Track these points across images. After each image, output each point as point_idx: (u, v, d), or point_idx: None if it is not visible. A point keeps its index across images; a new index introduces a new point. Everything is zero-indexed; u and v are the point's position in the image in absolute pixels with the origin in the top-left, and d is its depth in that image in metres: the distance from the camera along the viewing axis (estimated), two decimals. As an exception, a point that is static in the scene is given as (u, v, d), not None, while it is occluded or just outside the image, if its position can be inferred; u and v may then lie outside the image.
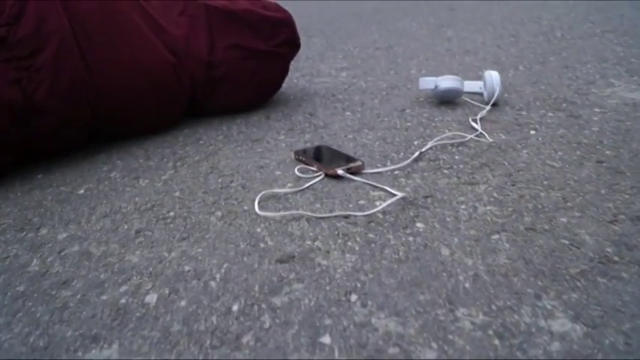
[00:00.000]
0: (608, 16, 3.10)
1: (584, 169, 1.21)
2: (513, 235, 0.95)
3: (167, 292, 0.82)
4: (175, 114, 1.52)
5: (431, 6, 3.88)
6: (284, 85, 1.94)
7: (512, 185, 1.14)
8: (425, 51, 2.45)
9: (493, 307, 0.76)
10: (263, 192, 1.12)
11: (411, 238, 0.94)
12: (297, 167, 1.23)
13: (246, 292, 0.81)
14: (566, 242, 0.93)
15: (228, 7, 1.57)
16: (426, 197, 1.10)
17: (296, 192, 1.13)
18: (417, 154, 1.29)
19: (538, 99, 1.71)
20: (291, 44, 1.66)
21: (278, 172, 1.24)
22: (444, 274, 0.84)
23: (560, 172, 1.19)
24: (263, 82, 1.63)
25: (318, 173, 1.20)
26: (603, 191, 1.11)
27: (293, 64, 2.26)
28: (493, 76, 1.63)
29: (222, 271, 0.87)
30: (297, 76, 2.10)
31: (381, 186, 1.13)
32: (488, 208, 1.05)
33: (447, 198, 1.09)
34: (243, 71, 1.57)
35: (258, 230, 0.99)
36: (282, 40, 1.62)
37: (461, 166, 1.24)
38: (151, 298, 0.81)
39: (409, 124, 1.53)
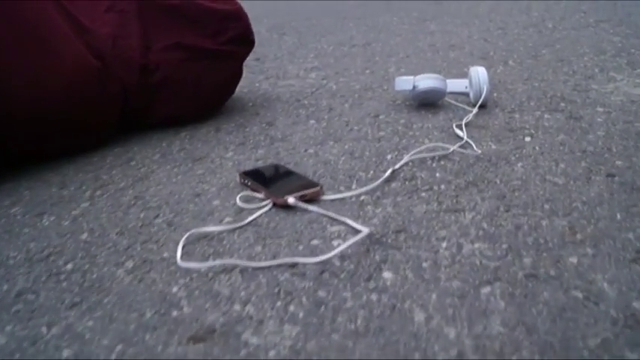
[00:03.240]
0: (601, 5, 2.87)
1: (593, 186, 0.97)
2: (510, 287, 0.70)
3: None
4: (103, 129, 1.27)
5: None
6: (242, 89, 1.69)
7: (507, 211, 0.90)
8: (405, 47, 2.20)
9: None
10: (191, 231, 0.86)
11: (374, 297, 0.69)
12: (241, 194, 0.98)
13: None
14: (580, 295, 0.69)
15: (165, 0, 1.31)
16: (398, 232, 0.85)
17: (234, 229, 0.88)
18: (389, 172, 1.05)
19: (532, 98, 1.47)
20: (242, 41, 1.40)
21: (216, 202, 0.99)
22: (417, 353, 0.59)
23: (565, 191, 0.95)
24: (212, 88, 1.38)
25: (265, 202, 0.95)
26: (619, 216, 0.87)
27: (257, 66, 2.01)
28: (480, 73, 1.39)
29: (113, 357, 0.61)
30: (261, 78, 1.85)
31: (342, 218, 0.88)
32: (476, 245, 0.80)
33: (425, 233, 0.84)
34: (186, 75, 1.32)
35: (175, 290, 0.74)
36: (231, 37, 1.37)
37: (442, 186, 1.00)
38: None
39: (382, 133, 1.28)
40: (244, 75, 1.91)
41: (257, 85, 1.78)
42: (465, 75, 1.75)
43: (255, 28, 3.11)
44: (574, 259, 0.78)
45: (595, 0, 3.06)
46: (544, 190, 0.98)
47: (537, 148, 1.16)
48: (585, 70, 1.72)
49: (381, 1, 3.67)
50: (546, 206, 0.92)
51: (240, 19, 1.40)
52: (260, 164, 1.15)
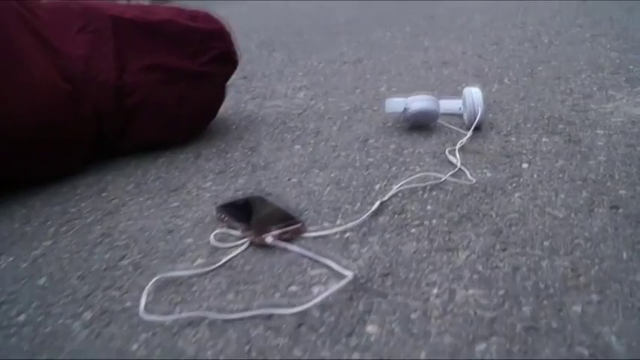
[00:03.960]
0: (597, 19, 2.80)
1: (596, 220, 0.90)
2: (507, 343, 0.63)
3: None
4: (75, 156, 1.19)
5: (408, 14, 3.57)
6: (227, 111, 1.61)
7: (503, 250, 0.82)
8: (398, 64, 2.13)
9: None
10: (158, 276, 0.78)
11: (356, 356, 0.61)
12: (216, 232, 0.90)
13: None
14: (585, 352, 0.62)
15: (142, 18, 1.24)
16: (385, 275, 0.77)
17: (206, 273, 0.80)
18: (377, 204, 0.97)
19: (529, 119, 1.39)
20: (225, 61, 1.33)
21: (189, 240, 0.91)
22: None
23: (565, 226, 0.88)
24: (192, 110, 1.30)
25: (242, 241, 0.87)
26: (625, 254, 0.80)
27: (244, 85, 1.93)
28: (474, 94, 1.31)
29: None
30: (247, 98, 1.77)
31: (324, 260, 0.80)
32: (470, 292, 0.72)
33: (414, 276, 0.76)
34: (165, 98, 1.24)
35: (135, 347, 0.66)
36: (213, 57, 1.29)
37: (434, 220, 0.92)
38: None
39: (371, 159, 1.20)
40: (230, 95, 1.83)
41: (242, 105, 1.70)
42: (458, 94, 1.68)
43: (244, 44, 3.04)
44: (578, 308, 0.70)
45: (591, 14, 3.00)
46: (543, 224, 0.90)
47: (535, 175, 1.09)
48: (583, 89, 1.65)
49: (373, 16, 3.61)
50: (546, 243, 0.85)
51: (222, 38, 1.33)
52: (239, 195, 1.07)
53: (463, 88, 1.74)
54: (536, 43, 2.38)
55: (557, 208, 0.96)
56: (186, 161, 1.28)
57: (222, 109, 1.62)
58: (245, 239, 0.89)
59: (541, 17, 3.05)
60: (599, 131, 1.31)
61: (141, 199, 1.10)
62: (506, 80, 1.80)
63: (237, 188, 1.11)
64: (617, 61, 1.97)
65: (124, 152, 1.31)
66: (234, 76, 2.14)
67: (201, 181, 1.16)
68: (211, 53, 1.31)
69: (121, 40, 1.24)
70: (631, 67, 1.88)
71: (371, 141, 1.33)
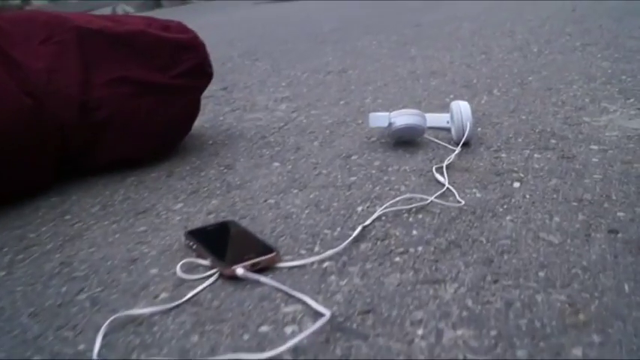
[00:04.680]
0: (586, 28, 2.75)
1: (594, 246, 0.83)
2: (501, 395, 0.55)
3: None
4: (37, 176, 1.11)
5: (395, 22, 3.51)
6: (204, 124, 1.53)
7: (495, 282, 0.75)
8: (384, 74, 2.06)
9: None
10: (116, 315, 0.70)
11: None
12: (183, 262, 0.82)
13: None
14: (589, 405, 0.53)
15: (110, 29, 1.16)
16: (366, 313, 0.70)
17: (169, 310, 0.72)
18: (358, 230, 0.89)
19: (519, 134, 1.32)
20: (198, 74, 1.25)
21: (154, 271, 0.83)
22: None
23: (561, 253, 0.81)
24: (164, 126, 1.23)
25: (211, 272, 0.79)
26: (627, 287, 0.73)
27: (224, 96, 1.86)
28: (462, 108, 1.24)
29: None
30: (226, 111, 1.69)
31: (299, 295, 0.73)
32: (459, 332, 0.65)
33: (397, 314, 0.69)
34: (134, 112, 1.16)
35: (81, 402, 0.57)
36: (185, 69, 1.21)
37: (420, 248, 0.85)
38: None
39: (354, 178, 1.13)
40: (209, 107, 1.76)
41: (221, 118, 1.62)
42: (446, 106, 1.61)
43: (227, 53, 2.96)
44: (578, 351, 0.63)
45: (580, 22, 2.95)
46: (537, 251, 0.83)
47: (528, 196, 1.02)
48: (575, 100, 1.58)
49: (359, 24, 3.54)
50: (541, 274, 0.78)
51: (194, 49, 1.25)
52: (211, 219, 0.99)
53: (451, 99, 1.68)
54: (525, 52, 2.32)
55: (551, 233, 0.89)
56: (158, 180, 1.20)
57: (199, 123, 1.55)
58: (214, 270, 0.81)
59: (530, 26, 3.00)
60: (593, 147, 1.24)
61: (106, 222, 1.02)
62: (495, 91, 1.74)
63: (209, 211, 1.03)
64: (609, 70, 1.91)
65: (92, 170, 1.23)
66: (214, 87, 2.07)
67: (171, 202, 1.08)
68: (184, 65, 1.23)
69: (86, 51, 1.16)
70: (623, 77, 1.82)
71: (354, 157, 1.26)
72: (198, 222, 0.99)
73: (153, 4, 7.79)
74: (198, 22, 4.64)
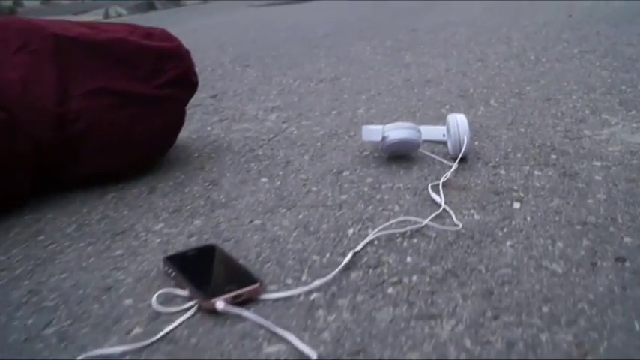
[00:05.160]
0: (583, 35, 2.70)
1: (600, 276, 0.77)
2: None
3: None
4: (11, 193, 1.04)
5: (389, 27, 3.45)
6: (191, 135, 1.47)
7: (495, 318, 0.69)
8: (378, 82, 2.00)
9: None
10: (84, 355, 0.64)
11: None
12: (160, 292, 0.76)
13: None
14: None
15: (89, 37, 1.09)
16: (356, 353, 0.63)
17: (142, 349, 0.65)
18: (349, 256, 0.83)
19: (518, 148, 1.26)
20: (182, 83, 1.19)
21: (128, 301, 0.77)
22: None
23: (566, 284, 0.76)
24: (146, 139, 1.16)
25: (189, 304, 0.73)
26: (637, 325, 0.69)
27: (213, 105, 1.79)
28: (459, 121, 1.18)
29: None
30: (214, 121, 1.63)
31: (283, 333, 0.66)
32: (457, 378, 0.58)
33: (390, 355, 0.62)
34: (114, 125, 1.10)
35: None
36: (169, 79, 1.15)
37: (414, 277, 0.79)
38: None
39: (345, 196, 1.06)
40: (197, 116, 1.69)
41: (209, 129, 1.56)
42: (442, 117, 1.55)
43: (218, 58, 2.90)
44: (588, 401, 0.56)
45: (577, 29, 2.90)
46: (540, 282, 0.77)
47: (529, 218, 0.96)
48: (575, 112, 1.52)
49: (353, 30, 3.48)
50: (545, 309, 0.72)
51: (179, 58, 1.19)
52: (193, 242, 0.93)
53: (447, 109, 1.62)
54: (522, 60, 2.26)
55: (555, 261, 0.83)
56: (139, 197, 1.13)
57: (186, 133, 1.48)
58: (193, 302, 0.74)
59: (526, 32, 2.95)
60: (595, 163, 1.18)
61: (81, 244, 0.96)
62: (492, 102, 1.68)
63: (191, 232, 0.97)
64: (609, 80, 1.85)
65: (72, 184, 1.16)
66: (203, 95, 2.00)
67: (152, 221, 1.02)
68: (167, 75, 1.17)
69: (64, 61, 1.10)
70: (623, 87, 1.76)
71: (345, 173, 1.19)
72: (178, 245, 0.93)
73: (146, 6, 7.72)
74: (190, 25, 4.58)
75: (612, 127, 1.41)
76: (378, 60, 2.47)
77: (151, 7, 7.62)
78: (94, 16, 6.64)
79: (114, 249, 0.94)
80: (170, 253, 0.90)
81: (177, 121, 1.26)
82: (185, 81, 1.22)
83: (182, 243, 0.94)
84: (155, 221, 1.03)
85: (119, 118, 1.13)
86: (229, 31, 3.91)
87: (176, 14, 6.29)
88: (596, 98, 1.67)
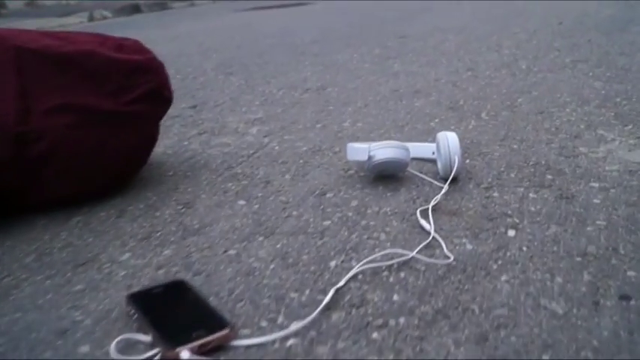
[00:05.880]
0: (575, 43, 2.64)
1: (604, 317, 0.71)
2: None
3: None
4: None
5: (378, 34, 3.38)
6: (167, 151, 1.39)
7: (491, 370, 0.61)
8: (365, 93, 1.92)
9: None
10: None
11: None
12: (120, 338, 0.67)
13: None
14: None
15: (54, 49, 1.01)
16: (335, 416, 0.55)
17: None
18: (331, 294, 0.75)
19: (512, 167, 1.19)
20: (155, 99, 1.11)
21: (85, 349, 0.69)
22: None
23: (567, 327, 0.69)
24: (116, 158, 1.08)
25: (152, 352, 0.64)
26: (648, 376, 0.59)
27: (192, 116, 1.71)
28: (450, 141, 1.11)
29: None
30: (192, 134, 1.55)
31: None
32: None
33: None
34: (80, 144, 1.02)
35: None
36: (140, 94, 1.07)
37: (402, 319, 0.71)
38: None
39: (328, 222, 0.99)
40: (174, 129, 1.61)
41: (186, 143, 1.48)
42: (431, 131, 1.48)
43: (200, 65, 2.81)
44: None
45: (568, 37, 2.84)
46: (539, 325, 0.70)
47: (525, 248, 0.88)
48: (570, 127, 1.45)
49: (341, 36, 3.41)
50: (545, 357, 0.64)
51: (151, 71, 1.10)
52: (161, 275, 0.85)
53: (436, 123, 1.55)
54: (513, 69, 2.20)
55: (554, 299, 0.75)
56: (106, 221, 1.05)
57: (161, 149, 1.40)
58: (155, 352, 0.66)
59: (517, 40, 2.89)
60: (593, 184, 1.11)
61: (39, 277, 0.87)
62: (483, 115, 1.61)
63: (159, 264, 0.89)
64: (603, 92, 1.79)
65: (38, 208, 1.08)
66: (182, 106, 1.92)
67: (118, 250, 0.94)
68: (138, 90, 1.08)
69: (26, 75, 1.02)
70: (618, 99, 1.69)
71: (329, 195, 1.11)
72: (145, 279, 0.85)
73: (131, 10, 7.62)
74: (175, 30, 4.49)
75: (609, 143, 1.35)
76: (366, 68, 2.40)
77: (136, 9, 7.52)
78: (79, 19, 6.54)
79: (74, 283, 0.86)
80: (134, 289, 0.81)
81: (150, 139, 1.18)
82: (158, 96, 1.13)
83: (149, 277, 0.86)
84: (122, 250, 0.95)
85: (85, 137, 1.05)
86: (214, 36, 3.82)
87: (161, 17, 6.21)
88: (591, 111, 1.60)
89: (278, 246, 0.94)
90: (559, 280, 0.81)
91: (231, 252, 0.93)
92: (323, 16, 4.92)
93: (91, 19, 6.75)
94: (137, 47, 1.14)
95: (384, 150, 1.13)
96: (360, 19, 4.42)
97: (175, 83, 2.27)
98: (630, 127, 1.46)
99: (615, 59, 2.29)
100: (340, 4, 6.29)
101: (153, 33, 4.42)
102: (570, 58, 2.38)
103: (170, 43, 3.66)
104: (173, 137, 1.55)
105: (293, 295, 0.80)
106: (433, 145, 1.26)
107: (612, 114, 1.58)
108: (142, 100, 1.10)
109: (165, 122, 1.70)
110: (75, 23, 6.31)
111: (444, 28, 3.47)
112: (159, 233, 1.00)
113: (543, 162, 1.25)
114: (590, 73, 2.08)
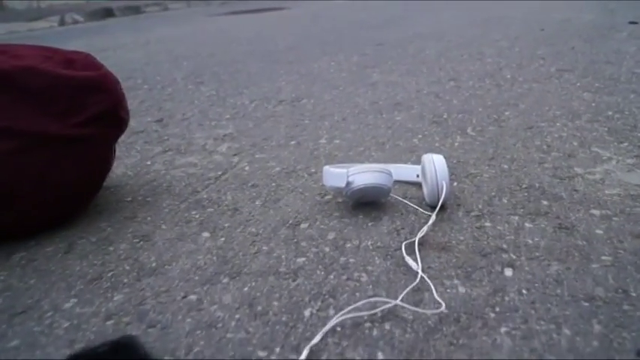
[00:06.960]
0: (558, 50, 2.55)
1: (623, 381, 0.58)
2: None
3: None
4: None
5: (355, 41, 3.27)
6: (127, 172, 1.27)
7: None
8: (342, 105, 1.81)
9: None
10: None
11: None
12: None
13: None
14: None
15: (-7, 66, 0.87)
16: None
17: None
18: (305, 354, 0.62)
19: (503, 191, 1.08)
20: (109, 120, 0.98)
21: None
22: None
23: (582, 398, 0.56)
24: (62, 189, 0.95)
25: None
26: None
27: (157, 132, 1.58)
28: (437, 165, 1.00)
29: None
30: (156, 152, 1.42)
31: None
32: None
33: None
34: (21, 174, 0.89)
35: None
36: (92, 116, 0.95)
37: (388, 387, 0.59)
38: None
39: (302, 259, 0.87)
40: (137, 146, 1.48)
41: (148, 163, 1.35)
42: (414, 148, 1.37)
43: (170, 74, 2.68)
44: None
45: (551, 44, 2.75)
46: (549, 394, 0.58)
47: (524, 291, 0.77)
48: (562, 144, 1.35)
49: (317, 43, 3.29)
50: None
51: (104, 89, 0.98)
52: (109, 328, 0.72)
53: (420, 139, 1.44)
54: (497, 79, 2.10)
55: (562, 356, 0.63)
56: (53, 258, 0.92)
57: (121, 169, 1.27)
58: None
59: (499, 47, 2.79)
60: (594, 211, 1.01)
61: (-33, 331, 0.74)
62: (469, 130, 1.50)
63: (109, 312, 0.76)
64: (593, 104, 1.69)
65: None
66: (148, 119, 1.79)
67: (63, 295, 0.81)
68: (90, 111, 0.96)
69: (-42, 94, 0.88)
70: (609, 112, 1.60)
71: (303, 226, 0.99)
72: (90, 332, 0.72)
73: (104, 13, 7.44)
74: (147, 35, 4.34)
75: (605, 163, 1.24)
76: (343, 78, 2.29)
77: (108, 13, 7.34)
78: (49, 23, 6.36)
79: (9, 338, 0.73)
80: (77, 347, 0.68)
81: (103, 163, 1.05)
82: (112, 117, 1.01)
83: (95, 329, 0.73)
84: (67, 295, 0.82)
85: (27, 165, 0.92)
86: (186, 42, 3.69)
87: (134, 22, 6.05)
88: (583, 126, 1.50)
89: (245, 289, 0.82)
90: (566, 331, 0.70)
91: (192, 297, 0.80)
92: (298, 21, 4.81)
93: (62, 23, 6.57)
94: (88, 62, 1.01)
95: (363, 175, 1.02)
96: (336, 24, 4.31)
97: (142, 94, 2.14)
98: (626, 144, 1.36)
99: (602, 68, 2.20)
100: (316, 8, 6.19)
101: (124, 38, 4.27)
102: (555, 66, 2.28)
103: (140, 49, 3.52)
104: (135, 155, 1.42)
105: (261, 353, 0.68)
106: (417, 167, 1.14)
107: (605, 129, 1.48)
108: (93, 121, 0.98)
109: (127, 139, 1.57)
110: (45, 27, 6.13)
111: (423, 35, 3.37)
112: (110, 273, 0.88)
113: (537, 185, 1.14)
114: (578, 84, 1.98)
